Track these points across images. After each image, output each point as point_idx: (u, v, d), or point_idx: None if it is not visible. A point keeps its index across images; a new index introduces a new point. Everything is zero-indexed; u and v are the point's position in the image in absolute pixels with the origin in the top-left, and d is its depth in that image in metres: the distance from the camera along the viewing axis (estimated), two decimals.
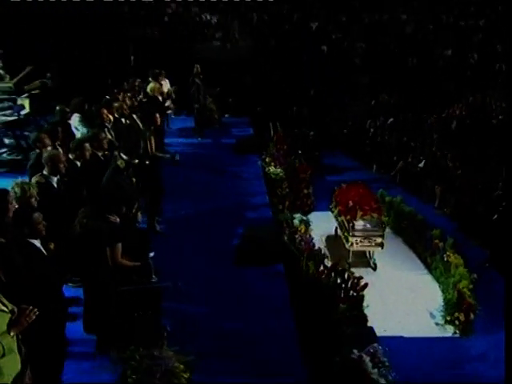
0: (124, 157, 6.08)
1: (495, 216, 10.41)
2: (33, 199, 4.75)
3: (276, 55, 20.35)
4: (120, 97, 8.92)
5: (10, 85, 11.48)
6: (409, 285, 9.34)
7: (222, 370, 5.02)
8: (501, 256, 9.76)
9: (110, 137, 7.53)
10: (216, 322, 5.76)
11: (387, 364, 6.61)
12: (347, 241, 9.65)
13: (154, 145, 7.44)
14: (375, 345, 6.91)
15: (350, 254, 9.76)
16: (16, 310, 3.60)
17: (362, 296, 7.49)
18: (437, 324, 8.44)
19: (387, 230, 11.37)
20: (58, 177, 5.45)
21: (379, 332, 8.01)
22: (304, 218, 8.86)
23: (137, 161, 6.66)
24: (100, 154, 6.29)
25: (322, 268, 7.09)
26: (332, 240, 10.64)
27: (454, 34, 20.17)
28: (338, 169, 14.66)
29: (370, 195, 10.10)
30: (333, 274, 7.29)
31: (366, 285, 7.55)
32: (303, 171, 11.89)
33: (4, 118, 10.16)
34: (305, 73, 19.21)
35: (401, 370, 7.23)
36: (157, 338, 4.41)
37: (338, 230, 10.35)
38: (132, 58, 19.15)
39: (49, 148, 6.07)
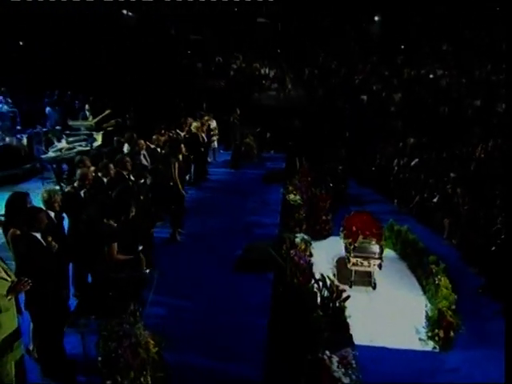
0: (132, 178, 6.68)
1: (493, 248, 10.06)
2: (56, 204, 5.40)
3: (322, 103, 20.76)
4: (162, 131, 9.71)
5: (92, 123, 12.79)
6: (402, 304, 9.13)
7: (192, 350, 5.32)
8: (496, 283, 9.46)
9: (144, 161, 8.30)
10: (201, 313, 6.08)
11: (354, 366, 6.58)
12: (349, 261, 9.69)
13: (176, 170, 7.96)
14: (348, 349, 6.92)
15: (353, 273, 9.74)
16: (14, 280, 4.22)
17: (343, 306, 7.53)
18: (420, 339, 8.18)
19: (394, 254, 11.37)
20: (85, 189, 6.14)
21: (365, 341, 8.06)
22: (305, 237, 8.96)
23: (143, 180, 7.12)
24: (125, 173, 6.93)
25: (302, 278, 7.20)
26: (341, 261, 10.64)
27: (484, 87, 19.63)
28: (362, 200, 14.59)
29: (371, 222, 10.07)
30: (317, 285, 7.41)
31: (347, 297, 7.56)
32: (323, 200, 12.08)
33: (80, 148, 11.28)
34: (345, 118, 19.46)
35: (379, 375, 7.27)
36: (132, 316, 4.75)
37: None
38: (204, 105, 20.17)
39: (91, 168, 6.83)
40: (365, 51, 23.70)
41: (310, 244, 9.15)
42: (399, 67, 22.34)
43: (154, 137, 8.84)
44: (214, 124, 12.77)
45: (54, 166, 10.69)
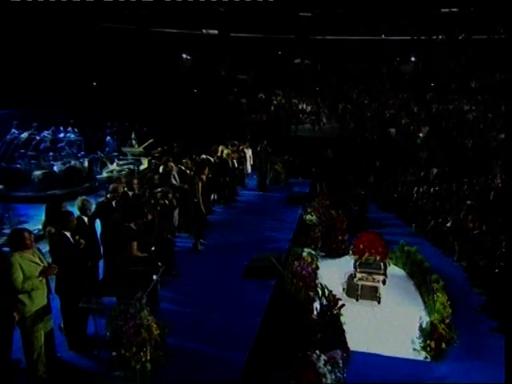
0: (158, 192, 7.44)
1: (496, 270, 9.96)
2: (88, 210, 6.23)
3: (353, 135, 21.12)
4: (193, 156, 10.55)
5: (141, 150, 13.89)
6: (403, 317, 9.14)
7: (190, 337, 5.88)
8: (494, 302, 9.36)
9: (173, 180, 9.09)
10: (203, 308, 6.63)
11: (341, 366, 6.86)
12: (355, 276, 9.91)
13: (200, 189, 8.66)
14: (338, 351, 7.20)
15: (359, 288, 9.93)
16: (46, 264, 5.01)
17: (339, 313, 7.81)
18: (414, 349, 8.23)
19: (403, 273, 11.41)
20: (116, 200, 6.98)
21: (362, 348, 8.25)
22: (313, 252, 9.32)
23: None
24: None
25: (302, 285, 7.57)
26: (351, 276, 10.82)
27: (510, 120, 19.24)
28: (382, 224, 14.64)
29: (378, 241, 10.23)
30: (316, 293, 7.76)
31: (342, 305, 7.84)
32: (340, 222, 12.35)
33: (128, 171, 12.36)
34: (374, 148, 19.69)
35: (370, 378, 7.46)
36: (138, 302, 5.35)
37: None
38: (248, 136, 20.99)
39: (122, 184, 7.67)
40: (396, 88, 23.92)
41: (317, 258, 9.48)
42: (428, 103, 22.34)
43: (184, 160, 9.66)
44: (249, 152, 13.48)
45: (107, 185, 11.74)
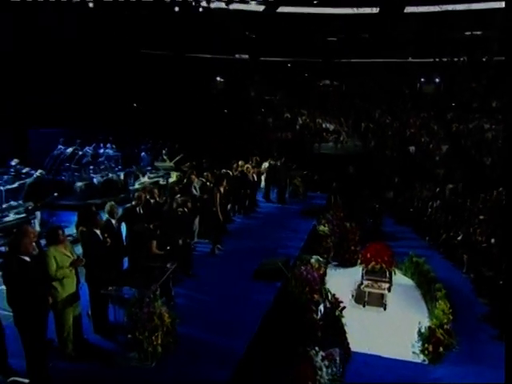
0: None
1: (501, 282, 10.01)
2: (115, 214, 6.95)
3: (374, 153, 21.34)
4: (214, 170, 11.24)
5: (172, 164, 14.73)
6: (407, 323, 9.33)
7: (198, 327, 6.40)
8: (497, 311, 9.42)
9: (194, 191, 9.77)
10: (213, 304, 7.14)
11: (338, 362, 7.24)
12: (362, 283, 10.21)
13: (218, 199, 9.28)
14: (337, 349, 7.57)
15: (366, 294, 10.21)
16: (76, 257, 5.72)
17: (340, 315, 8.17)
18: (414, 352, 8.45)
19: (412, 283, 11.57)
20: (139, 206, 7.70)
21: (364, 349, 8.53)
22: (320, 259, 9.67)
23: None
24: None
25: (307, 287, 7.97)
26: (359, 284, 11.11)
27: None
28: (397, 237, 14.82)
29: (385, 251, 10.50)
30: (320, 296, 8.15)
31: (343, 307, 8.21)
32: (353, 233, 12.70)
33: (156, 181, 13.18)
34: (393, 165, 19.85)
35: (369, 377, 7.76)
36: (153, 293, 5.98)
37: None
38: (275, 154, 21.57)
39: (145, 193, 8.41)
40: (418, 108, 24.01)
41: (325, 265, 9.86)
42: (448, 122, 22.32)
43: (204, 173, 10.35)
44: (265, 166, 14.06)
45: None
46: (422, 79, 27.43)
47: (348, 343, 8.21)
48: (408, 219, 16.01)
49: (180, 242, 7.56)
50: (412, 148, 20.62)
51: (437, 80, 27.07)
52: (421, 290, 10.98)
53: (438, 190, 16.46)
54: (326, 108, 24.91)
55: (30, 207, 8.86)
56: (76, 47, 16.96)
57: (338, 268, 12.31)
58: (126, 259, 7.31)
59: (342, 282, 11.20)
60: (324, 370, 6.87)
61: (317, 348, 7.20)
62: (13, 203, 9.71)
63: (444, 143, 20.59)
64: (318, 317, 7.96)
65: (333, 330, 7.98)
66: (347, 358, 8.04)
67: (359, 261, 10.83)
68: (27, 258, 5.00)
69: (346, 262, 12.28)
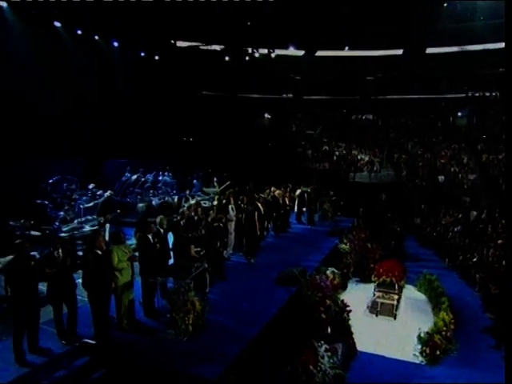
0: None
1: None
2: (164, 225, 8.50)
3: (405, 182, 21.84)
4: (251, 194, 12.62)
5: (218, 190, 16.33)
6: (413, 331, 9.90)
7: (223, 315, 7.69)
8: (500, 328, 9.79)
9: (231, 211, 11.16)
10: (238, 299, 8.41)
11: (339, 355, 8.15)
12: (374, 295, 10.99)
13: (256, 217, 10.62)
14: (340, 344, 8.48)
15: (378, 305, 10.93)
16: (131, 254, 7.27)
17: (347, 318, 9.06)
18: (414, 354, 9.07)
19: (424, 298, 12.08)
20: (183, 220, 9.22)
21: (370, 350, 9.30)
22: (336, 271, 10.61)
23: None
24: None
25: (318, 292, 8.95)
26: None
27: None
28: (419, 258, 15.35)
29: (396, 267, 11.23)
30: (329, 301, 9.11)
31: (349, 310, 9.10)
32: (373, 252, 13.46)
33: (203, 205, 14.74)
34: (422, 193, 20.28)
35: (371, 373, 8.54)
36: (187, 286, 7.33)
37: None
38: (314, 181, 22.49)
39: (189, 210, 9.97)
40: (449, 140, 24.25)
41: (341, 277, 10.78)
42: (479, 153, 22.39)
43: (240, 197, 11.77)
44: (297, 192, 15.25)
45: None
46: (457, 113, 27.58)
47: (354, 342, 9.06)
48: (431, 242, 16.41)
49: (213, 249, 8.95)
50: (441, 177, 20.91)
51: (469, 114, 27.12)
52: (431, 303, 11.49)
53: (460, 216, 16.73)
54: (362, 141, 25.77)
55: (101, 221, 10.64)
56: (146, 92, 19.41)
57: (358, 283, 13.04)
58: (170, 260, 8.80)
59: (360, 294, 12.00)
60: (326, 358, 7.82)
61: (322, 341, 8.18)
62: (89, 217, 11.65)
63: (473, 173, 20.70)
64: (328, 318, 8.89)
65: (340, 330, 8.89)
66: (352, 355, 8.88)
67: (373, 275, 11.56)
68: (99, 252, 6.62)
69: (366, 278, 12.97)
